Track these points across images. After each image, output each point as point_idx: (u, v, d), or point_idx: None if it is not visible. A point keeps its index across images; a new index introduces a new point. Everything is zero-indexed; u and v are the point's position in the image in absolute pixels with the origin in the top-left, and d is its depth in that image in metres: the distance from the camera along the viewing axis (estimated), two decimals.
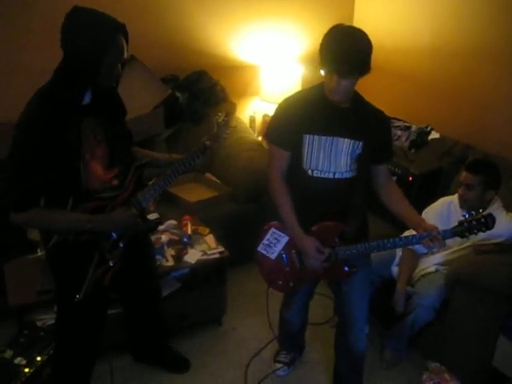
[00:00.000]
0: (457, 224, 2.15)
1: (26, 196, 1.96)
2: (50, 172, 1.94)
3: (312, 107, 2.20)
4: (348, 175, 2.26)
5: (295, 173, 2.30)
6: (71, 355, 2.43)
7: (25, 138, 1.92)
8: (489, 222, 2.10)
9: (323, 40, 2.08)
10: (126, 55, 1.98)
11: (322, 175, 2.25)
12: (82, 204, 2.08)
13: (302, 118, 2.19)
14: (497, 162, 3.02)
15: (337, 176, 2.25)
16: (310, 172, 2.25)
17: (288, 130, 2.22)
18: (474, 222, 2.11)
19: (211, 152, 2.35)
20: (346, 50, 1.99)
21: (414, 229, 2.26)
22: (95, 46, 1.86)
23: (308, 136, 2.20)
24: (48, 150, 1.91)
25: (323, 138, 2.19)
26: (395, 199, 2.35)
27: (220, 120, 2.41)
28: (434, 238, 2.12)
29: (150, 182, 2.30)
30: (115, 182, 2.20)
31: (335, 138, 2.20)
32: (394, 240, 2.22)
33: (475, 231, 2.12)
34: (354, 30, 2.06)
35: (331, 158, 2.22)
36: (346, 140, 2.20)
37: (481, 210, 2.15)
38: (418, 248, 2.91)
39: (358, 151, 2.22)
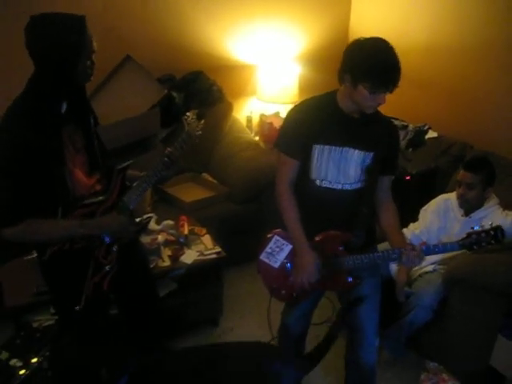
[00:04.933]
0: (465, 236, 2.11)
1: (11, 210, 1.95)
2: (35, 184, 1.94)
3: (322, 116, 2.16)
4: (357, 186, 2.23)
5: (303, 182, 2.27)
6: (75, 362, 2.42)
7: (6, 152, 1.92)
8: (498, 235, 2.04)
9: (355, 54, 2.01)
10: (95, 45, 1.98)
11: (331, 186, 2.21)
12: (71, 212, 2.08)
13: (312, 126, 2.15)
14: (494, 161, 3.01)
15: (346, 187, 2.21)
16: (318, 182, 2.22)
17: (298, 139, 2.19)
18: (483, 235, 2.06)
19: (179, 154, 2.36)
20: (388, 63, 1.96)
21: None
22: (70, 49, 1.87)
23: (318, 145, 2.17)
24: (31, 162, 1.91)
25: (333, 148, 2.16)
26: (388, 216, 2.31)
27: (189, 118, 2.43)
28: (416, 253, 2.10)
29: (134, 184, 2.31)
30: (98, 187, 2.23)
31: (345, 149, 2.16)
32: (399, 250, 2.16)
33: (484, 244, 2.07)
34: (384, 42, 2.01)
35: (340, 168, 2.19)
36: (357, 151, 2.17)
37: (490, 223, 2.09)
38: (415, 241, 2.91)
39: (368, 162, 2.19)
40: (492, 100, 3.76)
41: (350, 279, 2.31)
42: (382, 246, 2.40)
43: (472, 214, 2.91)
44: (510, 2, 3.51)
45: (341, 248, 2.27)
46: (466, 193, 2.87)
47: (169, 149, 2.35)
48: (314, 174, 2.22)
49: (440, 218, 3.03)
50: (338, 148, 2.16)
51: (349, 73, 2.02)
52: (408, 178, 3.56)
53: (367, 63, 1.96)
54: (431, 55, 4.17)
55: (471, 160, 3.02)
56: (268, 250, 2.43)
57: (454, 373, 2.83)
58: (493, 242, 2.06)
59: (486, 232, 2.06)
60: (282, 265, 2.41)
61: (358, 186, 2.23)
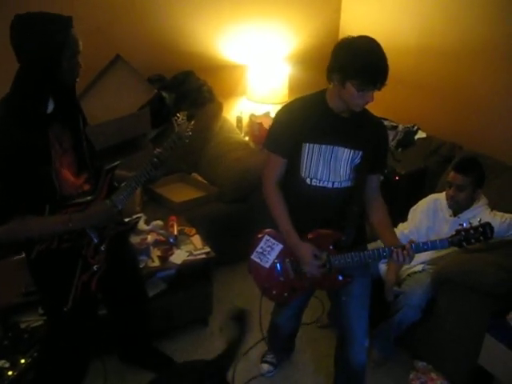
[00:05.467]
0: (454, 233, 2.10)
1: (1, 209, 1.94)
2: (22, 182, 1.93)
3: (312, 115, 2.18)
4: (346, 184, 2.24)
5: (293, 181, 2.28)
6: (65, 361, 2.41)
7: None
8: (487, 231, 2.03)
9: (343, 52, 2.02)
10: (80, 46, 1.98)
11: (321, 184, 2.23)
12: (59, 211, 2.08)
13: (302, 126, 2.17)
14: (483, 161, 3.03)
15: (335, 185, 2.23)
16: (308, 181, 2.23)
17: (287, 138, 2.20)
18: (471, 231, 2.05)
19: (169, 155, 2.38)
20: (376, 62, 1.97)
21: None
22: (52, 46, 1.87)
23: (308, 144, 2.18)
24: (17, 161, 1.90)
25: (323, 146, 2.18)
26: (377, 214, 2.33)
27: (180, 119, 2.45)
28: (406, 252, 2.10)
29: (122, 184, 2.31)
30: (86, 187, 2.23)
31: (335, 147, 2.18)
32: (389, 249, 2.17)
33: (473, 241, 2.06)
34: (371, 40, 2.02)
35: (330, 167, 2.20)
36: (346, 149, 2.18)
37: (479, 219, 2.09)
38: (403, 240, 2.92)
39: (357, 161, 2.21)
40: (481, 101, 3.78)
41: (340, 277, 2.31)
42: (373, 246, 2.41)
43: (460, 215, 2.92)
44: (501, 3, 3.53)
45: (331, 247, 2.28)
46: (457, 194, 2.88)
47: (158, 149, 2.36)
48: (304, 173, 2.23)
49: (429, 218, 3.04)
50: (328, 146, 2.18)
51: (337, 71, 2.03)
52: (397, 178, 3.57)
53: (355, 61, 1.97)
54: (421, 56, 4.18)
55: (462, 161, 3.01)
56: (259, 249, 2.44)
57: (442, 372, 2.85)
58: (481, 238, 2.05)
59: (475, 229, 2.06)
60: (273, 264, 2.42)
61: (348, 184, 2.24)
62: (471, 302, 2.71)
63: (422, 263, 2.98)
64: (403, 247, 2.12)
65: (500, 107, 3.66)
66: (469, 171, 2.86)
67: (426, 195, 3.20)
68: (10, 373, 2.50)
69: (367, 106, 2.19)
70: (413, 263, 2.96)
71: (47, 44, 1.86)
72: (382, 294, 2.95)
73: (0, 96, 1.99)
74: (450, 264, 2.78)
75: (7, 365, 2.53)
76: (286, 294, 2.45)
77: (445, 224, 2.95)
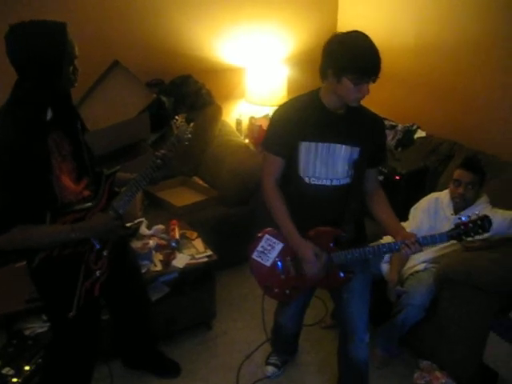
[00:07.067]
0: (453, 227, 2.13)
1: (3, 217, 1.93)
2: (25, 191, 1.93)
3: (307, 114, 2.18)
4: (345, 181, 2.25)
5: (292, 180, 2.28)
6: (70, 367, 2.41)
7: None
8: (486, 225, 2.06)
9: (335, 48, 2.02)
10: (77, 50, 1.99)
11: (320, 182, 2.23)
12: (60, 218, 2.07)
13: (298, 124, 2.17)
14: (484, 159, 3.03)
15: (334, 183, 2.23)
16: (307, 180, 2.24)
17: (283, 138, 2.21)
18: (470, 225, 2.08)
19: (172, 156, 2.39)
20: (369, 53, 1.98)
21: (392, 236, 2.26)
22: (51, 57, 1.87)
23: (304, 143, 2.19)
24: (17, 170, 1.90)
25: (320, 144, 2.18)
26: (379, 205, 2.33)
27: (179, 122, 2.45)
28: (411, 244, 2.11)
29: (123, 189, 2.31)
30: (86, 193, 2.22)
31: (332, 145, 2.18)
32: (389, 245, 2.20)
33: (472, 234, 2.08)
34: (361, 33, 2.03)
35: (328, 164, 2.20)
36: (344, 146, 2.19)
37: (477, 212, 2.11)
38: None
39: (355, 157, 2.21)
40: (480, 99, 3.78)
41: (342, 274, 2.33)
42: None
43: (462, 213, 2.92)
44: (497, 1, 3.54)
45: (331, 244, 2.29)
46: (467, 191, 2.89)
47: (162, 151, 2.36)
48: (302, 172, 2.23)
49: (430, 217, 3.04)
50: (324, 144, 2.18)
51: (331, 67, 2.04)
52: (398, 177, 3.57)
53: (349, 55, 1.97)
54: (419, 55, 4.18)
55: (469, 159, 3.02)
56: (260, 248, 2.45)
57: (447, 370, 2.84)
58: (480, 231, 2.07)
59: (473, 222, 2.08)
60: (274, 263, 2.43)
61: (347, 181, 2.25)
62: (474, 300, 2.71)
63: (425, 262, 2.98)
64: (410, 243, 2.12)
65: (497, 104, 3.66)
66: (477, 168, 2.89)
67: (426, 194, 3.20)
68: (14, 380, 2.50)
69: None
70: (415, 262, 2.99)
71: (43, 54, 1.86)
72: (385, 293, 2.96)
73: None
74: (453, 263, 2.78)
75: (12, 372, 2.53)
76: (287, 292, 2.47)
77: (446, 223, 2.95)
